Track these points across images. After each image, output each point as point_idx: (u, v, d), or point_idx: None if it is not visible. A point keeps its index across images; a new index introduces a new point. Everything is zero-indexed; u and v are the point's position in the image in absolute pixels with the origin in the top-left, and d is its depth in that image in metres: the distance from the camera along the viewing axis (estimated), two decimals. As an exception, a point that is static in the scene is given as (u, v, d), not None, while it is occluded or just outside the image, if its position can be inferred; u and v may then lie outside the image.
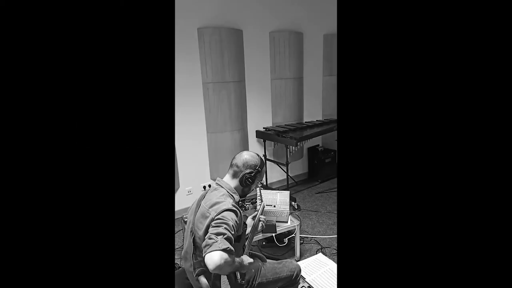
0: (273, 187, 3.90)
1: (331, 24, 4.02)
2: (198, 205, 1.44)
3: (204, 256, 1.15)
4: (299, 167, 4.22)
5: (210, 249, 1.14)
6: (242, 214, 1.42)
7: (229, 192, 1.43)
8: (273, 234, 2.33)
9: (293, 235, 2.45)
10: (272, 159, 3.85)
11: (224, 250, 1.14)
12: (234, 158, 1.51)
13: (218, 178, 1.50)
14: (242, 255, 1.41)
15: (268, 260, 1.65)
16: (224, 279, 1.36)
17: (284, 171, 3.68)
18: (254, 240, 2.11)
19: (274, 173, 3.96)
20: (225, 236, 1.19)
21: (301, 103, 3.98)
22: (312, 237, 2.78)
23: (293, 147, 3.49)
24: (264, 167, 1.54)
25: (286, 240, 2.57)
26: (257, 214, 1.65)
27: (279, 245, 2.54)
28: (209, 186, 3.34)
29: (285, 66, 3.68)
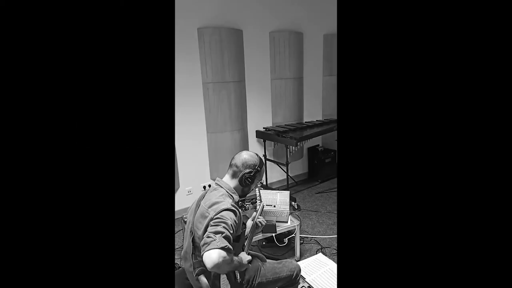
0: (273, 187, 3.90)
1: (331, 24, 4.02)
2: (198, 205, 1.44)
3: (202, 254, 1.15)
4: (299, 167, 4.22)
5: (208, 247, 1.14)
6: (242, 214, 1.42)
7: (229, 192, 1.43)
8: (273, 234, 2.33)
9: (293, 235, 2.45)
10: (272, 159, 3.85)
11: (222, 248, 1.14)
12: (233, 158, 1.51)
13: (217, 178, 1.50)
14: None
15: (268, 260, 1.65)
16: (224, 279, 1.36)
17: (284, 171, 3.68)
18: (254, 240, 2.11)
19: (274, 173, 3.96)
20: (223, 235, 1.19)
21: (301, 103, 3.98)
22: (312, 237, 2.78)
23: (293, 147, 3.49)
24: (264, 166, 1.54)
25: (286, 240, 2.57)
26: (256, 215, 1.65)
27: (279, 245, 2.54)
28: (209, 186, 3.33)
29: (285, 66, 3.68)
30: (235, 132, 3.42)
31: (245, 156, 1.48)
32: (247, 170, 1.46)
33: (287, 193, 2.45)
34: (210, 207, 1.33)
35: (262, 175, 1.57)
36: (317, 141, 4.16)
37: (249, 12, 3.38)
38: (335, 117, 4.11)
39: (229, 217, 1.27)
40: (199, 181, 3.42)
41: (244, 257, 1.41)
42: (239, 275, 1.45)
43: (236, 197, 1.46)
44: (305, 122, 3.94)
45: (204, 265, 1.16)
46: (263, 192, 2.37)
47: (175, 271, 1.68)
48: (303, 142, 3.61)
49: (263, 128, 3.70)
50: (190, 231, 1.41)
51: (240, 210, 1.37)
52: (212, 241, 1.16)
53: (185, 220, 1.70)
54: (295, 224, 2.35)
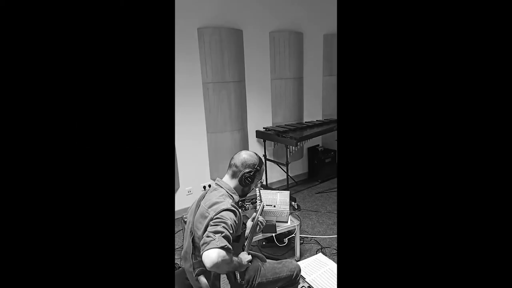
0: (273, 187, 3.90)
1: (331, 24, 4.02)
2: (198, 205, 1.44)
3: (202, 254, 1.15)
4: (299, 167, 4.22)
5: (208, 247, 1.14)
6: (242, 215, 1.42)
7: (229, 192, 1.43)
8: (273, 234, 2.33)
9: (293, 235, 2.45)
10: (272, 159, 3.85)
11: (221, 248, 1.14)
12: (232, 158, 1.51)
13: (217, 179, 1.50)
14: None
15: (268, 260, 1.65)
16: (224, 279, 1.36)
17: (284, 171, 3.67)
18: (254, 240, 2.11)
19: (274, 173, 3.96)
20: (223, 235, 1.18)
21: (301, 103, 3.98)
22: (312, 237, 2.78)
23: (293, 147, 3.49)
24: (263, 166, 1.54)
25: (286, 240, 2.57)
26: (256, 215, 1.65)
27: (279, 245, 2.54)
28: (209, 186, 3.34)
29: (285, 66, 3.68)
30: (235, 132, 3.42)
31: (244, 156, 1.48)
32: (247, 170, 1.46)
33: (287, 193, 2.45)
34: (210, 207, 1.33)
35: (262, 175, 1.57)
36: (317, 141, 4.16)
37: (249, 12, 3.38)
38: (335, 117, 4.11)
39: (229, 217, 1.27)
40: (199, 181, 3.42)
41: (244, 257, 1.41)
42: (239, 275, 1.45)
43: (236, 197, 1.46)
44: (305, 122, 3.94)
45: (204, 265, 1.16)
46: (263, 192, 2.37)
47: (175, 271, 1.68)
48: (303, 142, 3.61)
49: (263, 128, 3.70)
50: (190, 231, 1.41)
51: (240, 210, 1.37)
52: (211, 240, 1.16)
53: (185, 220, 1.70)
54: (295, 224, 2.35)
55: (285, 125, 3.71)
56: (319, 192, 3.79)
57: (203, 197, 1.47)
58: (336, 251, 2.54)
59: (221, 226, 1.21)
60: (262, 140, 3.70)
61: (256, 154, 1.53)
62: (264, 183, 3.82)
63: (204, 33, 3.07)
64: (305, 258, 2.39)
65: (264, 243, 2.65)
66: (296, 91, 3.84)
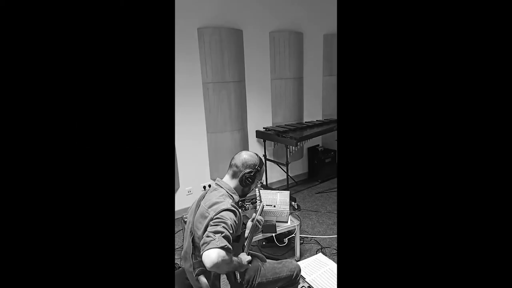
0: (273, 187, 3.90)
1: (331, 24, 4.02)
2: (198, 205, 1.44)
3: (202, 254, 1.15)
4: (299, 167, 4.22)
5: (208, 247, 1.14)
6: (242, 215, 1.42)
7: (229, 192, 1.43)
8: (273, 234, 2.33)
9: (293, 235, 2.45)
10: (272, 159, 3.85)
11: (221, 248, 1.14)
12: (233, 158, 1.51)
13: (217, 179, 1.50)
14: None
15: (268, 260, 1.65)
16: (224, 279, 1.36)
17: (284, 171, 3.67)
18: (254, 240, 2.11)
19: (274, 173, 3.96)
20: (223, 235, 1.19)
21: (301, 103, 3.98)
22: (312, 237, 2.78)
23: (293, 147, 3.49)
24: (264, 166, 1.54)
25: (286, 240, 2.57)
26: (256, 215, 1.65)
27: (279, 245, 2.54)
28: (209, 186, 3.34)
29: (285, 66, 3.68)
30: (235, 132, 3.42)
31: (245, 156, 1.49)
32: (247, 170, 1.46)
33: (287, 193, 2.45)
34: (210, 207, 1.33)
35: (262, 175, 1.57)
36: (317, 141, 4.16)
37: (249, 12, 3.38)
38: (335, 117, 4.11)
39: (229, 217, 1.27)
40: (199, 181, 3.42)
41: (244, 257, 1.41)
42: (239, 275, 1.45)
43: (236, 197, 1.46)
44: (305, 122, 3.94)
45: (204, 265, 1.16)
46: (263, 192, 2.37)
47: (175, 271, 1.68)
48: (303, 142, 3.61)
49: (263, 128, 3.70)
50: (190, 231, 1.41)
51: (240, 210, 1.37)
52: (211, 240, 1.16)
53: (185, 220, 1.70)
54: (295, 224, 2.35)
55: (285, 125, 3.71)
56: (319, 192, 3.79)
57: (203, 197, 1.47)
58: (336, 251, 2.54)
59: (221, 226, 1.21)
60: (262, 140, 3.70)
61: (257, 155, 1.53)
62: (264, 183, 3.82)
63: (204, 33, 3.07)
64: (305, 258, 2.39)
65: (264, 243, 2.65)
66: (296, 91, 3.84)
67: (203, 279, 1.36)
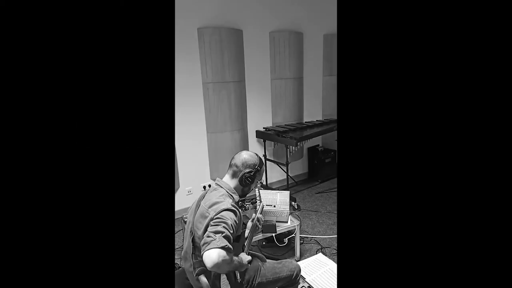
0: (273, 187, 3.90)
1: (331, 24, 4.02)
2: (198, 205, 1.44)
3: (202, 254, 1.15)
4: (299, 167, 4.22)
5: (208, 247, 1.14)
6: (242, 214, 1.42)
7: (229, 192, 1.44)
8: (273, 234, 2.33)
9: (293, 235, 2.45)
10: (272, 159, 3.85)
11: (222, 248, 1.14)
12: (233, 158, 1.51)
13: (217, 179, 1.50)
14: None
15: (268, 260, 1.65)
16: (224, 279, 1.36)
17: (284, 171, 3.67)
18: (254, 240, 2.11)
19: (274, 173, 3.96)
20: (223, 235, 1.19)
21: (301, 103, 3.98)
22: (312, 237, 2.78)
23: (293, 147, 3.49)
24: (263, 166, 1.54)
25: (286, 240, 2.57)
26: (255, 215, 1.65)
27: (279, 245, 2.54)
28: (209, 186, 3.34)
29: (285, 66, 3.68)
30: (235, 132, 3.42)
31: (245, 156, 1.49)
32: (247, 170, 1.46)
33: (287, 193, 2.45)
34: (210, 207, 1.33)
35: (262, 175, 1.57)
36: (317, 141, 4.16)
37: (249, 12, 3.38)
38: (335, 117, 4.11)
39: (229, 217, 1.27)
40: (199, 181, 3.42)
41: (244, 257, 1.41)
42: (239, 275, 1.45)
43: (236, 197, 1.46)
44: (305, 122, 3.94)
45: (204, 265, 1.16)
46: (263, 192, 2.37)
47: (175, 271, 1.68)
48: (303, 142, 3.61)
49: (263, 128, 3.70)
50: (190, 231, 1.41)
51: (240, 210, 1.37)
52: (212, 240, 1.16)
53: (185, 220, 1.70)
54: (295, 224, 2.35)
55: (285, 125, 3.71)
56: (319, 192, 3.79)
57: (203, 197, 1.47)
58: (336, 251, 2.54)
59: (222, 226, 1.21)
60: (262, 140, 3.70)
61: (257, 155, 1.54)
62: (264, 183, 3.82)
63: (204, 33, 3.07)
64: (305, 258, 2.39)
65: (264, 243, 2.65)
66: (296, 91, 3.84)
67: (203, 279, 1.36)
